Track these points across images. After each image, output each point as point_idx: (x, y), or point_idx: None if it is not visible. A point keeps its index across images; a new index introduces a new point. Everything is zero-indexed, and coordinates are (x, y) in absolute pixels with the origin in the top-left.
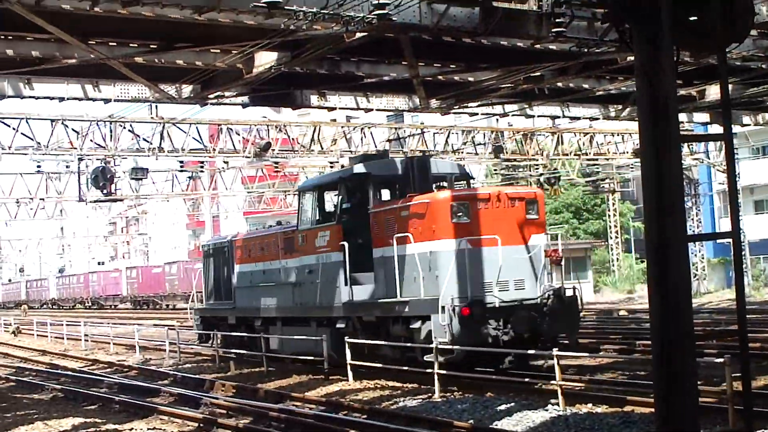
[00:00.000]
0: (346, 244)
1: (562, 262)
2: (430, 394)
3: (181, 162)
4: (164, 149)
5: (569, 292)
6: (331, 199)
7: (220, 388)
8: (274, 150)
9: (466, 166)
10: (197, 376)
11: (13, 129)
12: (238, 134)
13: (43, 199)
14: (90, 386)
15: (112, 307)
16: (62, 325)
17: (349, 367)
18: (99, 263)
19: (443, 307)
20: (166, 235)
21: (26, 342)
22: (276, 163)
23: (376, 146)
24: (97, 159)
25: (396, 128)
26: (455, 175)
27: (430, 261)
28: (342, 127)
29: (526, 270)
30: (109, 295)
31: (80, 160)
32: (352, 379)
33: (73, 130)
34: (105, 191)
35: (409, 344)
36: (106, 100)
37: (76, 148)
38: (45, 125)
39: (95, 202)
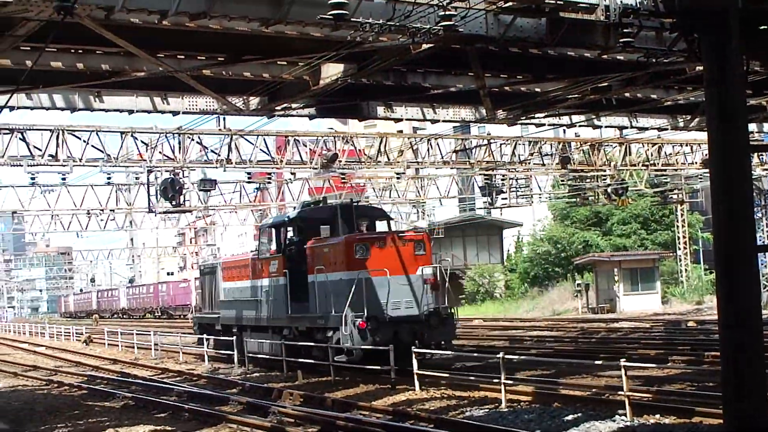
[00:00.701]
0: (287, 271)
1: (439, 288)
2: (496, 404)
3: (249, 173)
4: (232, 161)
5: (447, 311)
6: (279, 236)
7: (288, 397)
8: (340, 161)
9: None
10: (265, 385)
11: (84, 141)
12: (305, 146)
13: (113, 211)
14: (160, 394)
15: (182, 316)
16: (132, 334)
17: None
18: (168, 273)
19: (346, 321)
20: (234, 246)
21: (97, 351)
22: (343, 174)
23: (442, 156)
24: (166, 170)
25: (462, 139)
26: (377, 216)
27: (340, 287)
28: (408, 138)
29: (411, 293)
30: (178, 305)
31: (149, 171)
32: (419, 388)
33: (142, 142)
34: (174, 202)
35: (322, 345)
36: (175, 113)
37: (145, 160)
38: (115, 137)
39: (164, 213)
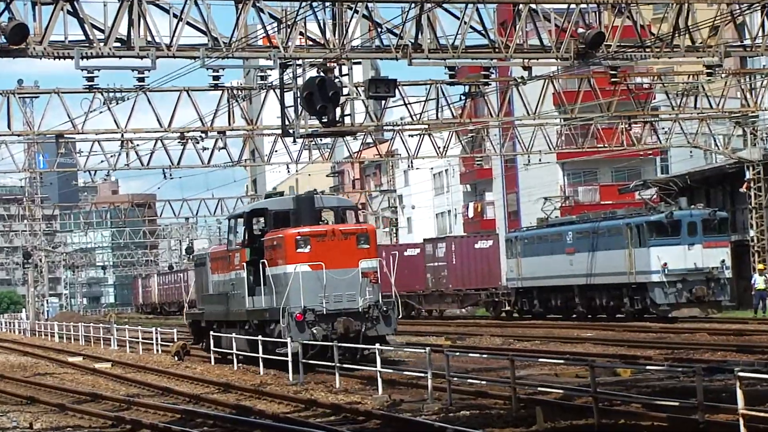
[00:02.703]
0: (244, 264)
1: (378, 282)
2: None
3: (452, 69)
4: (422, 46)
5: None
6: (242, 228)
7: None
8: (608, 46)
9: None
10: None
11: (174, 16)
12: (548, 20)
13: (223, 134)
14: None
15: None
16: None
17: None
18: None
19: (283, 314)
20: (426, 194)
21: (197, 369)
22: (613, 68)
23: None
24: (312, 64)
25: None
26: (341, 208)
27: (282, 280)
28: (728, 2)
29: (350, 287)
30: None
31: (284, 66)
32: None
33: (270, 15)
34: (325, 118)
35: (261, 338)
36: None
37: (276, 47)
38: (225, 10)
39: (308, 137)
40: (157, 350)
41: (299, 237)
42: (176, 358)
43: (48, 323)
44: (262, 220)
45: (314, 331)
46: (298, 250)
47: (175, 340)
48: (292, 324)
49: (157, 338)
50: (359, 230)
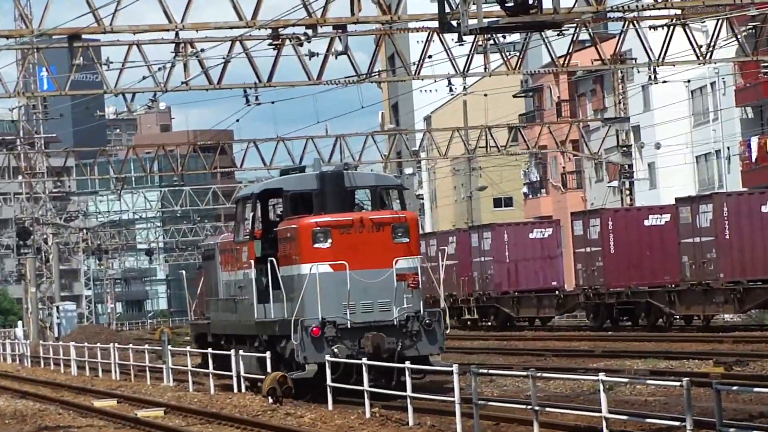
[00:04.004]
0: (252, 261)
1: (419, 286)
2: None
3: None
4: None
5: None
6: (250, 214)
7: None
8: None
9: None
10: None
11: None
12: None
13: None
14: None
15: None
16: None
17: None
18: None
19: (296, 328)
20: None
21: (305, 419)
22: None
23: None
24: None
25: None
26: (381, 187)
27: (295, 283)
28: None
29: (382, 293)
30: (532, 289)
31: None
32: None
33: None
34: None
35: (258, 355)
36: None
37: None
38: None
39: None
40: (240, 386)
41: (317, 228)
42: (270, 399)
43: (60, 344)
44: (279, 203)
45: (335, 350)
46: (316, 245)
47: (269, 369)
48: (306, 341)
49: (237, 367)
50: (396, 219)
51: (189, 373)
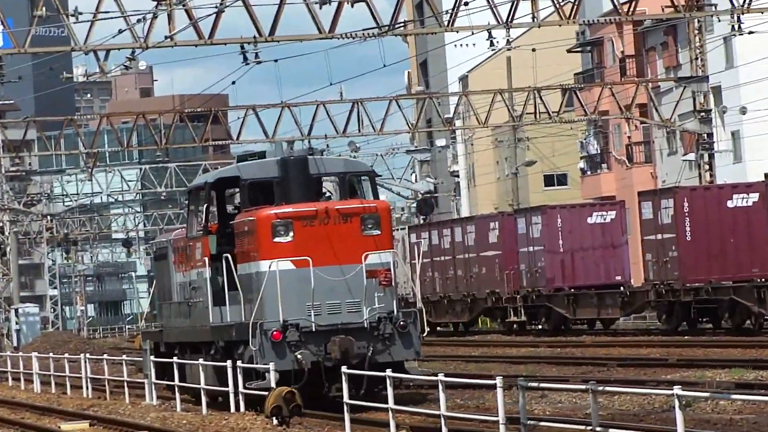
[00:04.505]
0: (206, 259)
1: (391, 284)
2: None
3: None
4: None
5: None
6: (204, 206)
7: None
8: None
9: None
10: None
11: None
12: None
13: None
14: None
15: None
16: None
17: None
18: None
19: (254, 332)
20: None
21: None
22: None
23: None
24: None
25: None
26: (348, 174)
27: (253, 282)
28: None
29: (350, 292)
30: (592, 285)
31: None
32: None
33: None
34: None
35: (216, 364)
36: None
37: None
38: None
39: None
40: (238, 405)
41: (277, 220)
42: (275, 421)
43: (20, 356)
44: (237, 193)
45: (298, 356)
46: (276, 239)
47: (272, 383)
48: (266, 346)
49: (235, 380)
50: (365, 209)
51: (176, 389)
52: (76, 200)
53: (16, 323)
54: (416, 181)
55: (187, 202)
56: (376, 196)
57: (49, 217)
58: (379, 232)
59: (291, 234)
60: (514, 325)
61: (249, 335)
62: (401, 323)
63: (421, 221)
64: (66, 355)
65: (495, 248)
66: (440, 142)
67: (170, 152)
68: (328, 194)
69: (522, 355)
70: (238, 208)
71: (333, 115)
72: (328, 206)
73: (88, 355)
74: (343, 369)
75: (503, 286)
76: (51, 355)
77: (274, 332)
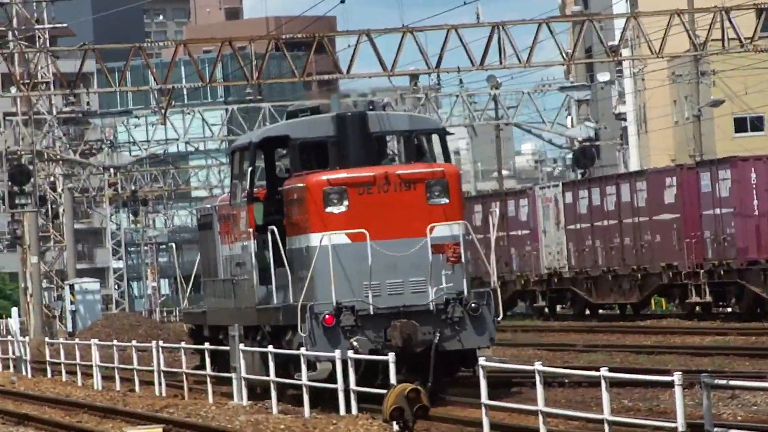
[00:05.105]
0: (251, 230)
1: (463, 260)
2: None
3: None
4: None
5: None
6: (248, 169)
7: None
8: None
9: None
10: None
11: None
12: None
13: None
14: None
15: None
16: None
17: None
18: None
19: (304, 316)
20: None
21: None
22: None
23: None
24: None
25: None
26: (414, 133)
27: (303, 258)
28: None
29: (414, 270)
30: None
31: None
32: None
33: None
34: None
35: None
36: None
37: None
38: None
39: None
40: (349, 406)
41: (330, 187)
42: (396, 426)
43: (76, 343)
44: (286, 155)
45: (354, 343)
46: (329, 209)
47: (392, 380)
48: (317, 332)
49: (345, 374)
50: (431, 174)
51: (271, 385)
52: (146, 149)
53: (72, 303)
54: (572, 125)
55: (230, 164)
56: (447, 158)
57: (112, 171)
58: (448, 201)
59: (346, 203)
60: (696, 308)
61: (298, 319)
62: (473, 305)
63: (579, 176)
64: (134, 342)
65: (672, 210)
66: (603, 76)
67: (263, 89)
68: (392, 156)
69: (706, 345)
70: (290, 173)
71: (468, 43)
72: (388, 171)
73: (161, 344)
74: (481, 361)
75: (682, 258)
76: (115, 342)
77: (327, 316)
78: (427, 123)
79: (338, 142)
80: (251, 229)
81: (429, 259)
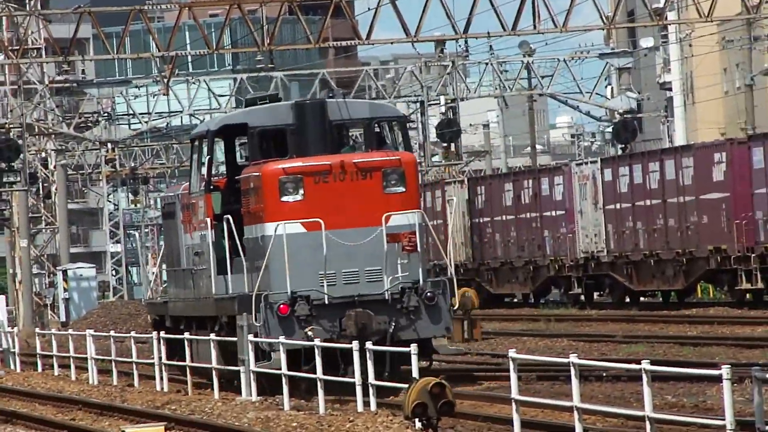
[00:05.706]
0: (209, 220)
1: (419, 249)
2: None
3: None
4: None
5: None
6: (205, 159)
7: None
8: None
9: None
10: None
11: None
12: None
13: None
14: None
15: None
16: None
17: None
18: None
19: (258, 305)
20: None
21: None
22: None
23: None
24: None
25: None
26: (374, 120)
27: (259, 248)
28: None
29: (369, 259)
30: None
31: None
32: None
33: None
34: None
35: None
36: None
37: None
38: None
39: None
40: (366, 402)
41: (285, 176)
42: (419, 424)
43: (70, 334)
44: (222, 146)
45: (309, 333)
46: (284, 198)
47: (414, 373)
48: (272, 322)
49: (363, 368)
50: (388, 162)
51: (283, 378)
52: (146, 122)
53: (65, 290)
54: (613, 96)
55: (190, 152)
56: (408, 147)
57: (109, 146)
58: (404, 190)
59: (301, 192)
60: (747, 295)
61: (253, 308)
62: (428, 294)
63: (620, 151)
64: (133, 333)
65: (721, 189)
66: (646, 42)
67: (275, 56)
68: (353, 145)
69: (758, 336)
70: (247, 161)
71: (498, 6)
72: (344, 159)
73: (162, 334)
74: (512, 353)
75: (732, 241)
76: (112, 333)
77: (281, 305)
78: (388, 111)
79: (297, 130)
80: (209, 219)
81: (384, 248)
